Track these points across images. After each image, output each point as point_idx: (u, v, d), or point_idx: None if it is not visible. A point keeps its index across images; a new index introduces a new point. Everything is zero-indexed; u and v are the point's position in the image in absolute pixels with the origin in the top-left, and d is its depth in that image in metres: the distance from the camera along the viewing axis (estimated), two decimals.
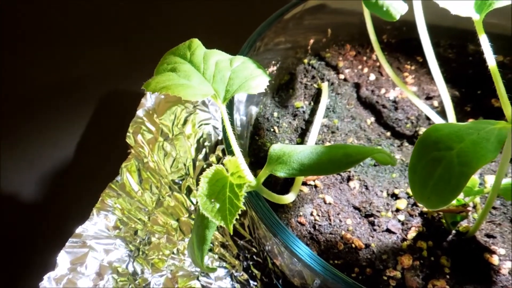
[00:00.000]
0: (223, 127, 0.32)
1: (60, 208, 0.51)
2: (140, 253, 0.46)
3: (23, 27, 0.69)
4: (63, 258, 0.43)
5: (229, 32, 0.56)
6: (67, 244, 0.45)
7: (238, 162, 0.27)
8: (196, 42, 0.34)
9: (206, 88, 0.31)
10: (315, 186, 0.41)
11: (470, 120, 0.48)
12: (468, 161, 0.25)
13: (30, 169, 0.55)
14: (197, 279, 0.45)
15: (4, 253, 0.49)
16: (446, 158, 0.26)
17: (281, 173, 0.30)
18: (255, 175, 0.32)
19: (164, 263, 0.46)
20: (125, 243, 0.46)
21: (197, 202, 0.29)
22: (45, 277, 0.42)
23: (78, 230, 0.46)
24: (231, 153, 0.31)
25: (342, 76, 0.51)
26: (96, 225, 0.47)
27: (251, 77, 0.31)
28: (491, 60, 0.30)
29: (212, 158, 0.53)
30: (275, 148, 0.31)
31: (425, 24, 0.41)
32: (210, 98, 0.51)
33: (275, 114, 0.48)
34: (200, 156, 0.53)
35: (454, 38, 0.54)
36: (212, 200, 0.26)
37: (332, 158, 0.28)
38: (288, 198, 0.37)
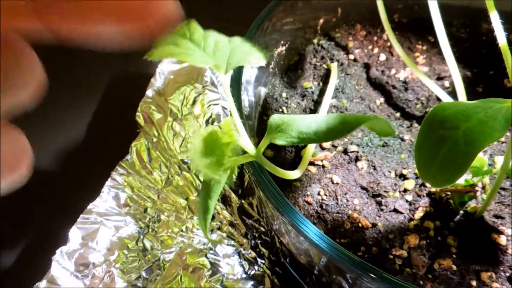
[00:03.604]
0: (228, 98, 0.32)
1: (71, 185, 0.52)
2: (150, 230, 0.47)
3: None
4: (74, 234, 0.44)
5: (235, 14, 0.56)
6: (78, 220, 0.45)
7: (232, 121, 0.28)
8: (194, 23, 0.34)
9: (209, 60, 0.31)
10: (323, 166, 0.41)
11: None
12: (474, 140, 0.25)
13: (40, 149, 0.56)
14: (206, 256, 0.45)
15: (18, 228, 0.50)
16: (452, 137, 0.26)
17: (280, 141, 0.30)
18: (263, 153, 0.32)
19: (173, 240, 0.46)
20: (135, 220, 0.47)
21: None
22: (58, 251, 0.43)
23: (89, 207, 0.46)
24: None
25: (352, 57, 0.51)
26: (107, 202, 0.47)
27: (250, 53, 0.31)
28: (501, 37, 0.30)
29: None
30: (275, 118, 0.31)
31: (437, 3, 0.41)
32: (220, 79, 0.51)
33: (284, 94, 0.48)
34: None
35: (467, 17, 0.53)
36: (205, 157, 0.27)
37: (330, 125, 0.28)
38: (293, 174, 0.37)
